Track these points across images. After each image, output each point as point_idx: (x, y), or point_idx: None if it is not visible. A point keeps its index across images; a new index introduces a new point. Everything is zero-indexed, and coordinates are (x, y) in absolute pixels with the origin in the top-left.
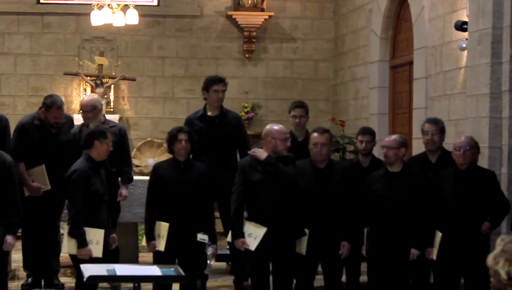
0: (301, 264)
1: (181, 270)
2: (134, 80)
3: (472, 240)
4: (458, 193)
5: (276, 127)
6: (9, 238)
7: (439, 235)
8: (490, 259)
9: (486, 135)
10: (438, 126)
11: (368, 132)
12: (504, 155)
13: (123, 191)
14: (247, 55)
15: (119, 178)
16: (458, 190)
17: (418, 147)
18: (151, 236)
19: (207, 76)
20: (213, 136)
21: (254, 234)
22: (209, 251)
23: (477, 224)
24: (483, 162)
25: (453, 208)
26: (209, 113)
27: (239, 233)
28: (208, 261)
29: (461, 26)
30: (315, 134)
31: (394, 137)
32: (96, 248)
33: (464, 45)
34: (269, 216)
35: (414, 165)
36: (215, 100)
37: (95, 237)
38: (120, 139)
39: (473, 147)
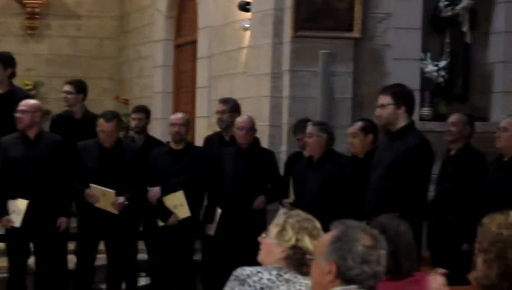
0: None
1: None
2: None
3: (248, 215)
4: (238, 171)
5: None
6: None
7: (218, 211)
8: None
9: (267, 114)
10: (228, 105)
11: (141, 110)
12: (284, 134)
13: None
14: (29, 32)
15: None
16: (239, 168)
17: (201, 126)
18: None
19: None
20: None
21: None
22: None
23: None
24: (264, 140)
25: (232, 185)
26: None
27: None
28: None
29: (244, 7)
30: (101, 120)
31: (181, 114)
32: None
33: (247, 25)
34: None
35: (210, 143)
36: None
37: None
38: None
39: (254, 126)
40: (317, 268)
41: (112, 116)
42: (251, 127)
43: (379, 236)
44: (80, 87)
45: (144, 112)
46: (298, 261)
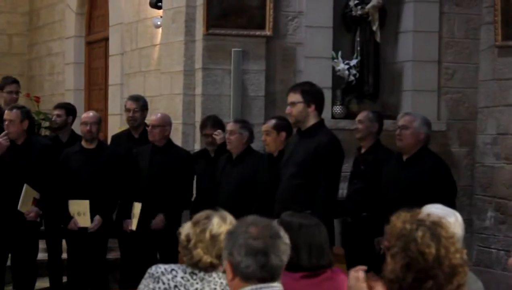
0: None
1: None
2: None
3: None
4: (153, 168)
5: None
6: None
7: (138, 205)
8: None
9: (180, 112)
10: (139, 104)
11: (61, 106)
12: (197, 132)
13: None
14: None
15: None
16: (154, 166)
17: (113, 123)
18: None
19: None
20: None
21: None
22: None
23: (169, 199)
24: (177, 138)
25: (147, 183)
26: None
27: None
28: None
29: (156, 4)
30: (6, 112)
31: (93, 113)
32: None
33: (158, 23)
34: None
35: (119, 140)
36: None
37: None
38: None
39: (164, 124)
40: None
41: (17, 106)
42: (165, 124)
43: (269, 227)
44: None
45: (65, 108)
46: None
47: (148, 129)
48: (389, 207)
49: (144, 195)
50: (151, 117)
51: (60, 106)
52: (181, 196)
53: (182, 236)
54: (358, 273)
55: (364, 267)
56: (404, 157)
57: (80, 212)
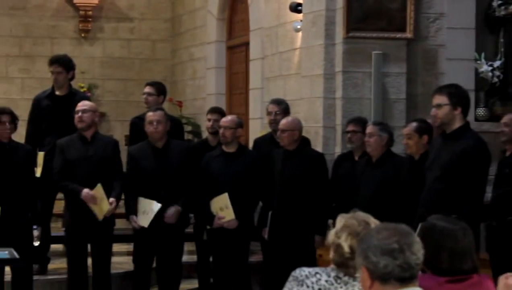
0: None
1: (15, 253)
2: None
3: (297, 218)
4: (285, 173)
5: None
6: None
7: (269, 214)
8: (331, 235)
9: (321, 115)
10: (281, 107)
11: (217, 111)
12: (338, 135)
13: None
14: (83, 35)
15: None
16: (285, 170)
17: (254, 127)
18: None
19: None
20: (59, 115)
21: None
22: (35, 233)
23: (304, 204)
24: (317, 141)
25: (280, 187)
26: (57, 93)
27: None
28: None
29: (295, 8)
30: (150, 113)
31: (231, 117)
32: None
33: (298, 27)
34: None
35: (261, 145)
36: (54, 81)
37: None
38: None
39: (293, 128)
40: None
41: (159, 107)
42: (294, 129)
43: (399, 228)
44: (160, 89)
45: (220, 113)
46: (339, 259)
47: (278, 133)
48: None
49: (277, 200)
50: (281, 121)
51: (215, 110)
52: (320, 200)
53: (346, 248)
54: (509, 280)
55: None
56: None
57: (222, 207)
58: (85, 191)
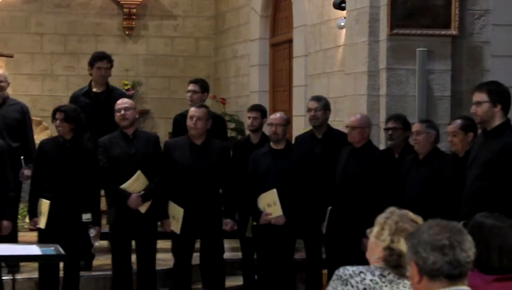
0: (177, 242)
1: (61, 249)
2: (11, 56)
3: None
4: (347, 170)
5: None
6: None
7: (328, 209)
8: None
9: (364, 112)
10: (321, 103)
11: (256, 109)
12: (382, 132)
13: (25, 171)
14: (127, 32)
15: (22, 157)
16: (348, 167)
17: (298, 124)
18: (33, 213)
19: (94, 52)
20: (98, 113)
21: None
22: (92, 233)
23: (365, 201)
24: None
25: (342, 184)
26: (94, 90)
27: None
28: (92, 242)
29: (339, 5)
30: (192, 108)
31: (280, 114)
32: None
33: (342, 24)
34: None
35: (302, 141)
36: (98, 77)
37: None
38: (22, 116)
39: (364, 126)
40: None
41: (202, 104)
42: (364, 126)
43: (451, 225)
44: (204, 86)
45: (260, 110)
46: (394, 262)
47: (348, 131)
48: None
49: (336, 198)
50: (349, 118)
51: (255, 108)
52: (384, 198)
53: (404, 252)
54: None
55: None
56: None
57: (270, 203)
58: (133, 196)
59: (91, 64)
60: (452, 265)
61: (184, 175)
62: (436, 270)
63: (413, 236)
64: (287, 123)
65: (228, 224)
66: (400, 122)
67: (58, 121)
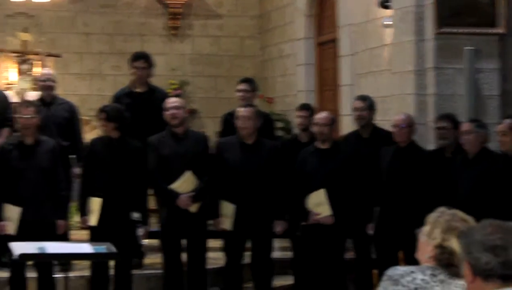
0: (229, 241)
1: (113, 248)
2: (59, 56)
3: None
4: (392, 169)
5: None
6: None
7: (376, 210)
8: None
9: (412, 112)
10: (366, 103)
11: (304, 108)
12: (430, 132)
13: (76, 170)
14: (172, 32)
15: (74, 156)
16: (393, 166)
17: (345, 124)
18: (84, 212)
19: (133, 52)
20: (141, 112)
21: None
22: (140, 232)
23: (413, 200)
24: None
25: (388, 183)
26: (137, 90)
27: None
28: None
29: (384, 4)
30: (240, 109)
31: (325, 114)
32: (10, 225)
33: (387, 22)
34: None
35: (348, 141)
36: (137, 77)
37: (11, 213)
38: (71, 115)
39: (410, 125)
40: (464, 272)
41: (250, 104)
42: (412, 125)
43: (505, 225)
44: (254, 85)
45: (308, 109)
46: (445, 261)
47: (395, 130)
48: None
49: (385, 196)
50: (395, 118)
51: (304, 107)
52: (433, 198)
53: (457, 250)
54: None
55: None
56: None
57: (319, 203)
58: (183, 197)
59: (131, 64)
60: (506, 266)
61: (235, 175)
62: (489, 270)
63: (466, 235)
64: (332, 122)
65: (279, 225)
66: (450, 121)
67: (101, 121)
